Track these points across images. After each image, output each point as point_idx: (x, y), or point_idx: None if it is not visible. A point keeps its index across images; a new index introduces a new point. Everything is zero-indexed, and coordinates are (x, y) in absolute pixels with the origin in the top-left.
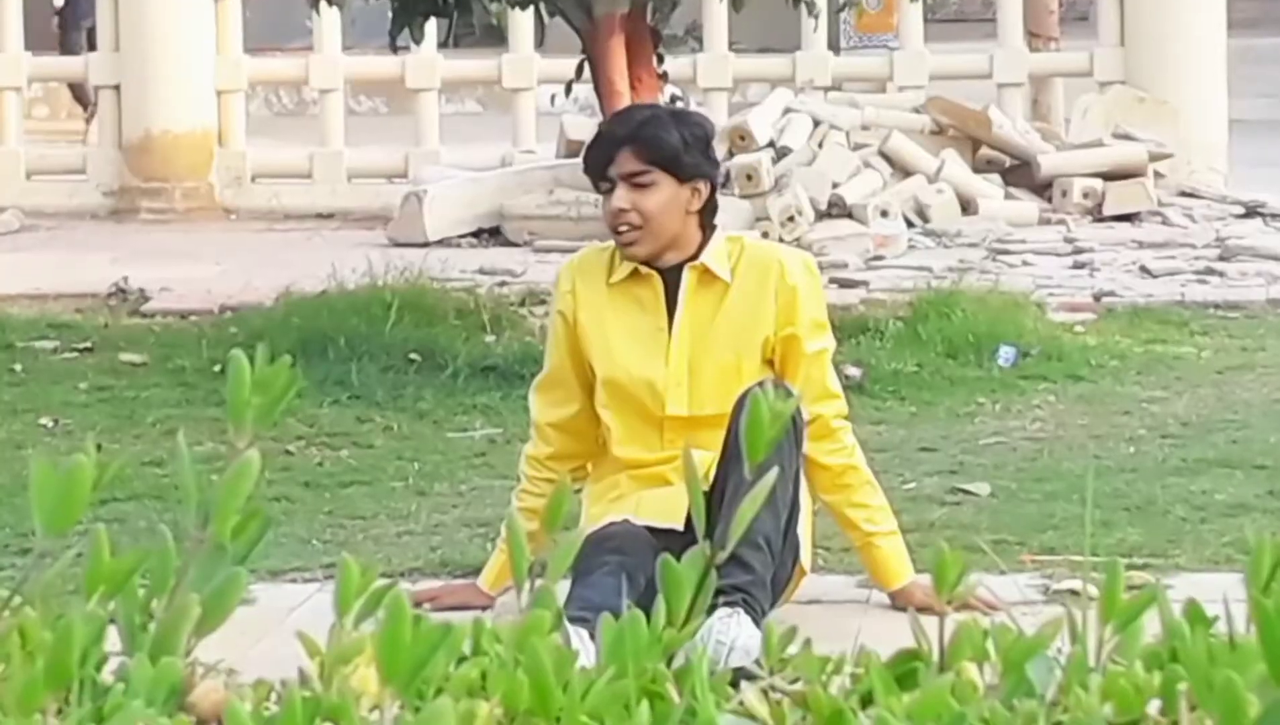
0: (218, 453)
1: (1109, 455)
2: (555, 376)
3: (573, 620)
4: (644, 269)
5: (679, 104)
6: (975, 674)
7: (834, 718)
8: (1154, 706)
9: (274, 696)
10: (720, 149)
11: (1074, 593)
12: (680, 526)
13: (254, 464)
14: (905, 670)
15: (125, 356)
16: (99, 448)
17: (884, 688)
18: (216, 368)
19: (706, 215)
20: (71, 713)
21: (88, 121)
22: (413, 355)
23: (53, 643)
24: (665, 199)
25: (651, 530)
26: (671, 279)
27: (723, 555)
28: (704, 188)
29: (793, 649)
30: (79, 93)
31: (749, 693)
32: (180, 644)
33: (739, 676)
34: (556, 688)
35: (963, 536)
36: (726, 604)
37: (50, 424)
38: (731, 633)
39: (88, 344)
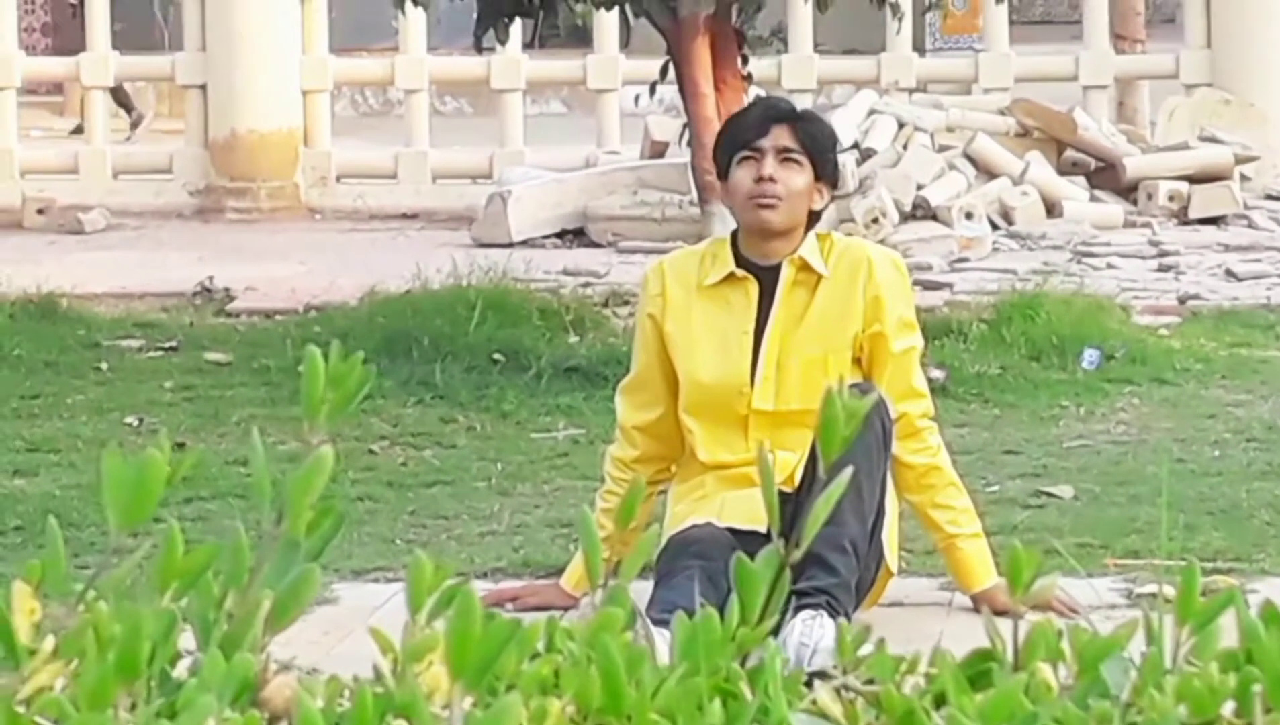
0: (298, 452)
1: (1193, 459)
2: (642, 379)
3: (656, 622)
4: (740, 272)
5: None
6: (1050, 674)
7: (906, 717)
8: (1228, 708)
9: (346, 693)
10: None
11: (1156, 597)
12: (764, 529)
13: (328, 460)
14: (979, 670)
15: (210, 355)
16: (182, 446)
17: (956, 687)
18: (300, 367)
19: (814, 219)
20: (142, 708)
21: (133, 128)
22: (496, 356)
23: (123, 636)
24: (806, 184)
25: (735, 532)
26: (767, 281)
27: (798, 554)
28: (827, 192)
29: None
30: (121, 97)
31: (822, 692)
32: (253, 640)
33: (813, 676)
34: (628, 686)
35: (1045, 540)
36: (810, 606)
37: (135, 422)
38: (815, 634)
39: (173, 343)
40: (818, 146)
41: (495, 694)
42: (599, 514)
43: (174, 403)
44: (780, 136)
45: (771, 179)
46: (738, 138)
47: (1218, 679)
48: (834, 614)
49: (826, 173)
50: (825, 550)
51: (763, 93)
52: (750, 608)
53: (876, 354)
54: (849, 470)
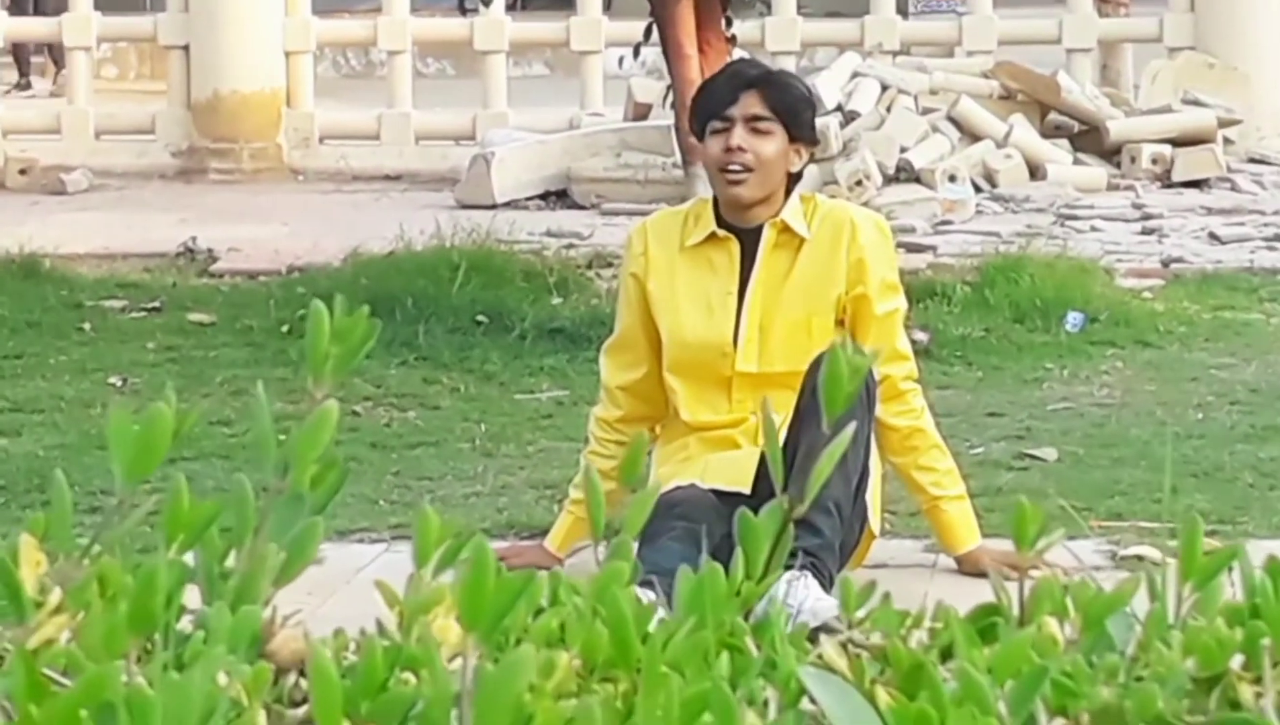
0: (285, 412)
1: (1177, 421)
2: (626, 339)
3: (640, 584)
4: (721, 232)
5: None
6: (1056, 629)
7: (914, 671)
8: (1236, 662)
9: (352, 647)
10: None
11: (1141, 558)
12: (747, 490)
13: (333, 414)
14: (984, 625)
15: (193, 316)
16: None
17: (966, 640)
18: (284, 328)
19: (793, 180)
20: (153, 659)
21: (16, 89)
22: (480, 317)
23: (137, 587)
24: (778, 150)
25: (718, 494)
26: (749, 242)
27: (800, 509)
28: (805, 152)
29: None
30: (55, 54)
31: (828, 646)
32: (259, 593)
33: (817, 632)
34: (636, 639)
35: (1030, 502)
36: (789, 568)
37: (119, 383)
38: (799, 595)
39: (156, 303)
40: (789, 109)
41: (502, 649)
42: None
43: (157, 363)
44: (749, 104)
45: (740, 149)
46: (708, 106)
47: (1225, 633)
48: (818, 576)
49: (802, 134)
50: (810, 512)
51: (746, 55)
52: (754, 562)
53: (860, 316)
54: (851, 427)
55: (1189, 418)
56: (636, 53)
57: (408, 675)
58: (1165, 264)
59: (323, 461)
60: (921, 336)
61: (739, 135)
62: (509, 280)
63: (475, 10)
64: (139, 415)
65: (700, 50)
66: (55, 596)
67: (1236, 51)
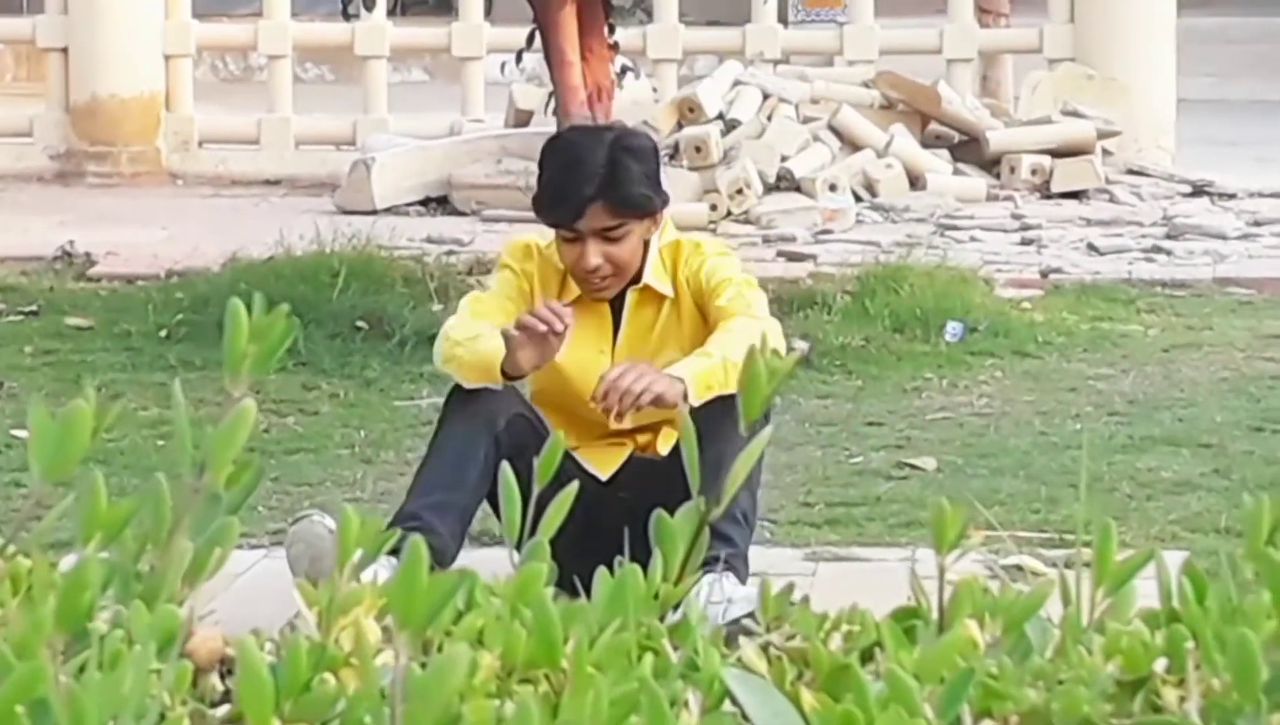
0: (163, 417)
1: (1055, 432)
2: (492, 308)
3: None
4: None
5: (629, 75)
6: (976, 632)
7: (836, 673)
8: (1159, 665)
9: (269, 647)
10: (669, 121)
11: (1020, 568)
12: (604, 478)
13: (250, 413)
14: (904, 628)
15: (71, 320)
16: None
17: (894, 642)
18: (163, 332)
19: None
20: (72, 657)
21: None
22: (360, 323)
23: (66, 586)
24: (635, 242)
25: (574, 461)
26: (616, 300)
27: (718, 512)
28: (661, 215)
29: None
30: None
31: (748, 649)
32: (174, 592)
33: (734, 634)
34: (560, 640)
35: (909, 511)
36: (709, 572)
37: None
38: (726, 590)
39: (33, 307)
40: (637, 206)
41: (426, 651)
42: (462, 366)
43: (34, 367)
44: (596, 218)
45: (597, 267)
46: (554, 213)
47: (1148, 636)
48: (736, 578)
49: (653, 209)
50: (720, 522)
51: (629, 62)
52: (671, 564)
53: (710, 313)
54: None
55: (1067, 428)
56: (519, 59)
57: (327, 675)
58: (1044, 274)
59: (238, 461)
60: (801, 345)
61: (593, 251)
62: (389, 286)
63: (358, 15)
64: (60, 412)
65: (583, 57)
66: None
67: (1116, 63)
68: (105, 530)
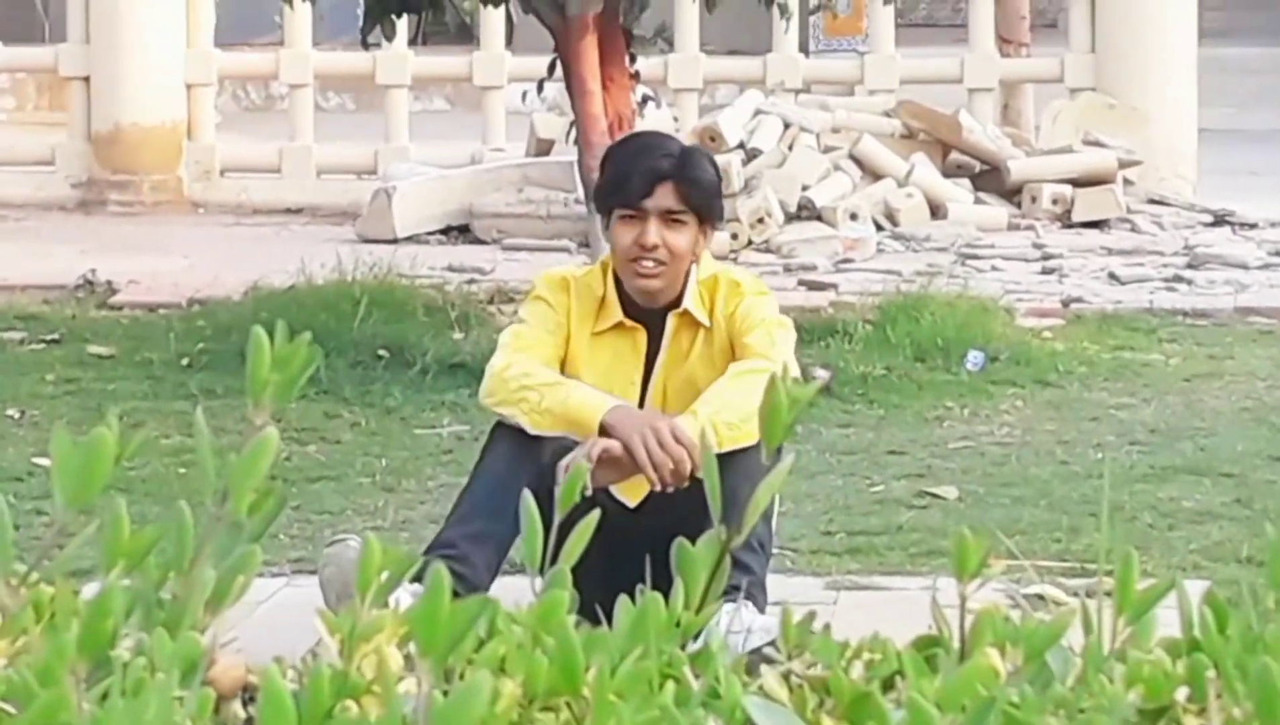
0: (185, 446)
1: (1076, 461)
2: (534, 343)
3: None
4: (629, 322)
5: (650, 104)
6: (997, 660)
7: (858, 701)
8: (1180, 694)
9: (290, 675)
10: None
11: (1041, 597)
12: (632, 505)
13: (273, 441)
14: (924, 656)
15: (93, 348)
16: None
17: (915, 670)
18: (184, 361)
19: (695, 259)
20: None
21: None
22: (381, 351)
23: (90, 612)
24: (690, 240)
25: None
26: (653, 327)
27: (738, 541)
28: (711, 234)
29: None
30: None
31: (769, 677)
32: (196, 620)
33: (755, 663)
34: (582, 668)
35: (930, 540)
36: (730, 601)
37: (17, 415)
38: (745, 619)
39: (55, 336)
40: (703, 200)
41: (448, 678)
42: (534, 411)
43: (56, 396)
44: (663, 198)
45: (654, 246)
46: (620, 191)
47: (1169, 665)
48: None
49: (712, 218)
50: (738, 551)
51: (650, 91)
52: (693, 592)
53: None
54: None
55: (1088, 458)
56: (540, 88)
57: (349, 703)
58: (1065, 304)
59: (260, 489)
60: (822, 374)
61: (654, 231)
62: (410, 315)
63: (378, 44)
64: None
65: (604, 86)
66: None
67: (1137, 93)
68: (128, 558)
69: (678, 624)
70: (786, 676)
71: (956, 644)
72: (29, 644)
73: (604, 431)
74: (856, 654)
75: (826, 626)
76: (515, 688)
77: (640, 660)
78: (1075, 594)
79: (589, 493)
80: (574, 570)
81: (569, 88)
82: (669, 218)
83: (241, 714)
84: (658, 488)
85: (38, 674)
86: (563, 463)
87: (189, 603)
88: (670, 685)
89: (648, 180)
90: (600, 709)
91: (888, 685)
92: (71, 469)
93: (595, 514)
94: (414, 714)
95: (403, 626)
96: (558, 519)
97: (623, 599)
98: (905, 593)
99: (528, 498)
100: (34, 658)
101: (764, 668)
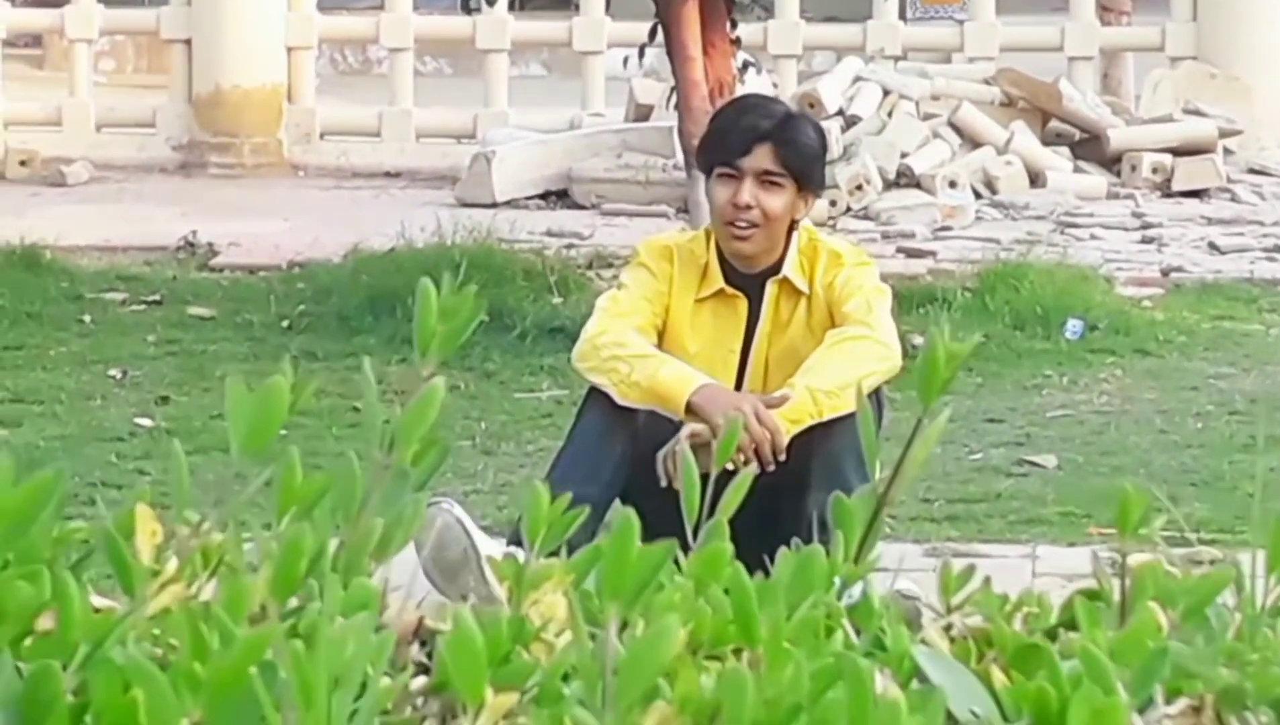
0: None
1: (1175, 430)
2: (632, 309)
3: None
4: (730, 289)
5: (751, 70)
6: (1160, 614)
7: (1024, 652)
8: None
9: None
10: None
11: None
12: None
13: (439, 391)
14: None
15: (193, 310)
16: (166, 399)
17: (1089, 621)
18: (284, 323)
19: (795, 224)
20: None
21: None
22: (480, 316)
23: (282, 553)
24: (786, 203)
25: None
26: (753, 294)
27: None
28: (811, 200)
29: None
30: None
31: (930, 629)
32: (364, 566)
33: (916, 617)
34: (756, 618)
35: (1029, 508)
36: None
37: (119, 376)
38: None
39: (156, 297)
40: (802, 164)
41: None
42: (623, 382)
43: (157, 356)
44: (761, 158)
45: (748, 206)
46: (719, 149)
47: None
48: None
49: (811, 185)
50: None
51: (751, 58)
52: (850, 544)
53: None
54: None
55: (1188, 427)
56: (641, 54)
57: (536, 646)
58: (1165, 273)
59: (425, 439)
60: (921, 341)
61: (748, 191)
62: (510, 279)
63: (479, 9)
64: (257, 387)
65: (705, 52)
66: (172, 566)
67: (1238, 62)
68: (300, 504)
69: (837, 572)
70: (947, 629)
71: (1117, 598)
72: (199, 589)
73: (690, 410)
74: (1016, 607)
75: (987, 579)
76: (683, 636)
77: (810, 610)
78: (1173, 563)
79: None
80: (654, 515)
81: (670, 53)
82: (765, 179)
83: (418, 656)
84: (743, 468)
85: (230, 614)
86: (661, 453)
87: (359, 550)
88: (839, 634)
89: (746, 139)
90: (775, 657)
91: (1051, 637)
92: (245, 416)
93: (753, 467)
94: (597, 656)
95: (569, 575)
96: (714, 473)
97: (783, 550)
98: (1005, 560)
99: (624, 513)
100: (223, 598)
101: (925, 620)
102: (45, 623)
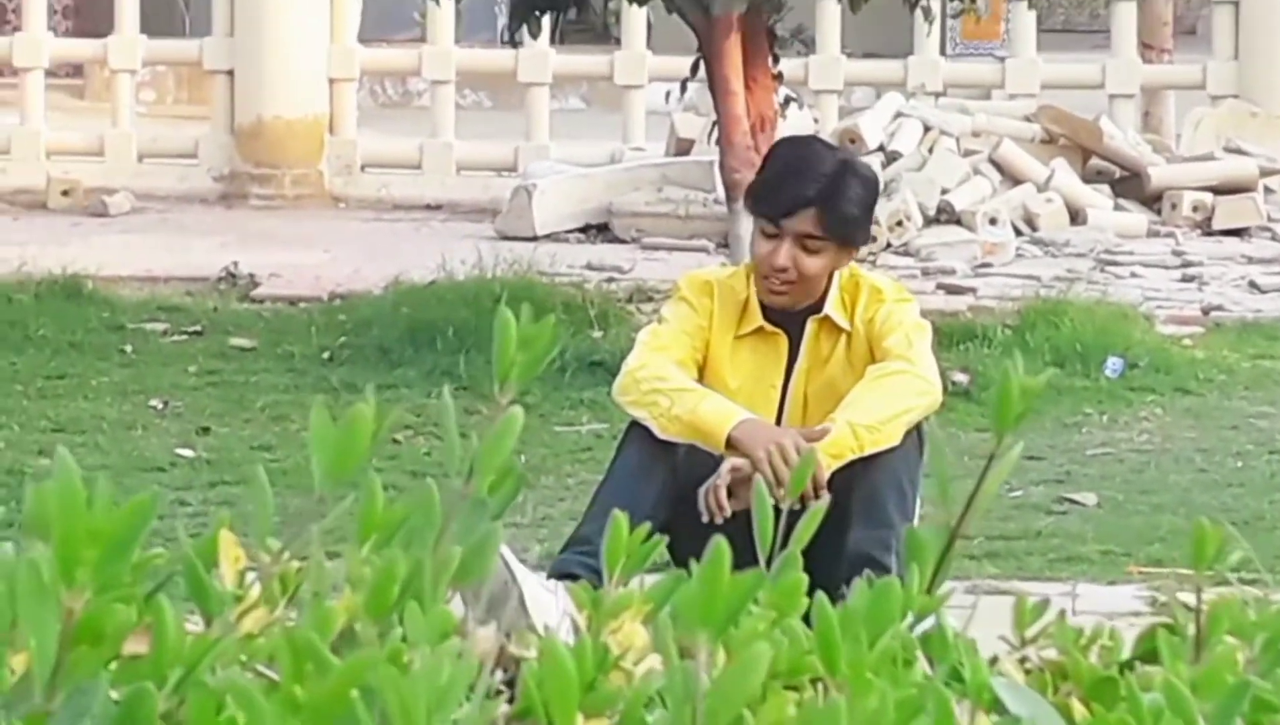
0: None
1: (1215, 469)
2: (671, 344)
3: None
4: (770, 327)
5: (793, 105)
6: (1238, 648)
7: (1101, 684)
8: None
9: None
10: None
11: (1183, 606)
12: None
13: (517, 420)
14: (1154, 645)
15: (234, 341)
16: (207, 430)
17: (1170, 654)
18: (325, 354)
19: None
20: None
21: None
22: (559, 346)
23: (376, 578)
24: (825, 264)
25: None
26: (793, 331)
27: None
28: (854, 254)
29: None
30: None
31: (1006, 662)
32: (442, 594)
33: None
34: (840, 649)
35: (1069, 546)
36: None
37: (160, 406)
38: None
39: (197, 327)
40: (845, 230)
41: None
42: (664, 416)
43: (198, 387)
44: (803, 222)
45: (784, 269)
46: (764, 202)
47: None
48: None
49: (853, 244)
50: (876, 551)
51: (793, 93)
52: (924, 575)
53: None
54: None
55: (1228, 466)
56: (683, 88)
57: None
58: (1205, 311)
59: (502, 469)
60: (961, 378)
61: (785, 253)
62: (549, 312)
63: (521, 42)
64: (340, 416)
65: (746, 87)
66: (256, 591)
67: (1279, 101)
68: (381, 532)
69: (912, 603)
70: (1021, 661)
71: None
72: (279, 615)
73: (730, 445)
74: (1091, 641)
75: (1061, 612)
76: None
77: (886, 641)
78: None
79: (726, 516)
80: (669, 530)
81: (712, 88)
82: (805, 241)
83: (498, 684)
84: (783, 504)
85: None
86: (702, 489)
87: (437, 578)
88: (918, 665)
89: (791, 203)
90: (859, 687)
91: (1126, 669)
92: (330, 446)
93: (825, 498)
94: (687, 683)
95: (647, 604)
96: (786, 506)
97: (857, 581)
98: (1044, 598)
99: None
100: (308, 623)
101: (1000, 652)
102: (132, 646)
